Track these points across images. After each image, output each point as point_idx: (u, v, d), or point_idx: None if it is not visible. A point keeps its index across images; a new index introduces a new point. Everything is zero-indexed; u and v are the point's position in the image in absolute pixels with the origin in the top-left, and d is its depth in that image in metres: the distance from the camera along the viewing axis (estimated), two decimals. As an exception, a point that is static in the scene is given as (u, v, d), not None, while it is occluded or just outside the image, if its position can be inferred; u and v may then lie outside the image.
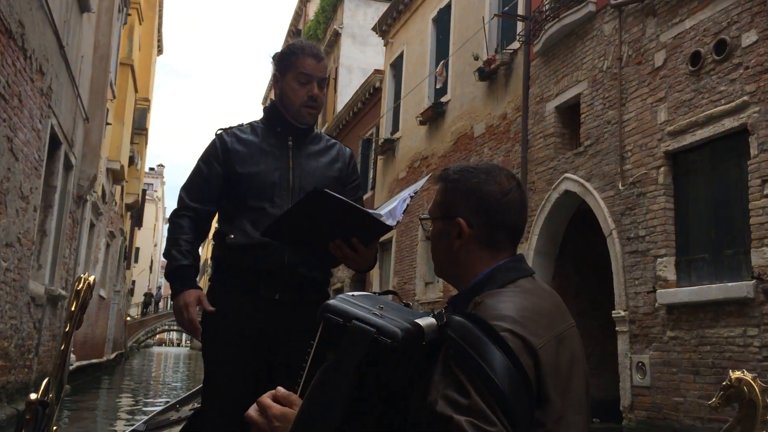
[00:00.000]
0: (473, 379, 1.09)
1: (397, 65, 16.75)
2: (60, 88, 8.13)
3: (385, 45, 17.63)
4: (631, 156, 7.81)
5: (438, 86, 13.25)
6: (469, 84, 12.41)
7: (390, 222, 1.84)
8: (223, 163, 2.30)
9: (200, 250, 2.68)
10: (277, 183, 2.27)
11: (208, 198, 2.32)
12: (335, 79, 22.99)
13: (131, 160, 18.58)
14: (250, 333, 2.23)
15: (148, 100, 21.15)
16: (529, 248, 9.77)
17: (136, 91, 17.47)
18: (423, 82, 14.52)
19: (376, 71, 17.80)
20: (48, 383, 1.53)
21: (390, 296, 1.37)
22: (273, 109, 2.38)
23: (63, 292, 9.79)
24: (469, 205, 1.36)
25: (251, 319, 2.23)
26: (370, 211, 1.89)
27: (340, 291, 20.07)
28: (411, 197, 1.91)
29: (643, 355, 7.33)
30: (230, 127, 2.39)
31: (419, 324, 1.13)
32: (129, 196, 20.28)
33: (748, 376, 1.19)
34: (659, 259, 7.24)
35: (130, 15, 15.03)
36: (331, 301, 1.15)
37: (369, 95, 18.40)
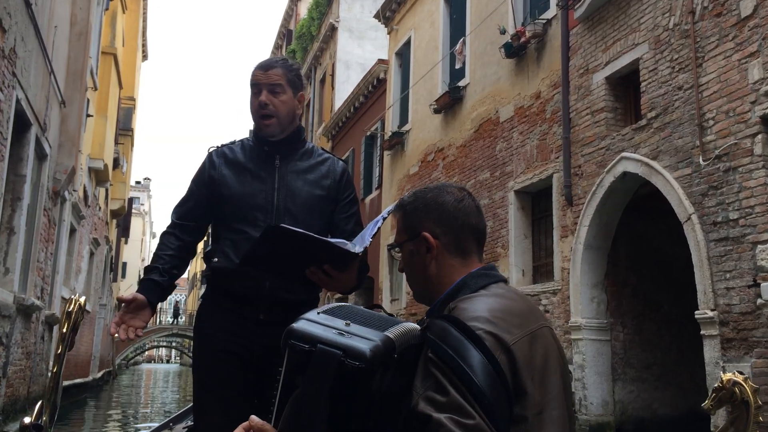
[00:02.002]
0: (450, 377, 1.15)
1: (403, 53, 15.49)
2: (28, 55, 6.78)
3: (389, 33, 16.38)
4: (714, 125, 6.55)
5: (458, 66, 11.97)
6: (492, 64, 11.15)
7: (357, 249, 1.90)
8: (210, 185, 2.32)
9: (190, 262, 2.59)
10: (261, 205, 2.27)
11: (194, 217, 2.35)
12: (332, 76, 21.73)
13: (116, 163, 17.18)
14: (238, 350, 2.24)
15: (133, 100, 19.80)
16: (577, 242, 8.48)
17: (120, 86, 16.12)
18: (436, 68, 13.26)
19: (381, 61, 16.53)
20: (41, 406, 1.52)
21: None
22: (256, 131, 2.38)
23: (38, 303, 8.40)
24: (430, 218, 1.45)
25: (239, 336, 2.25)
26: (333, 240, 1.95)
27: (342, 300, 18.75)
28: (384, 218, 1.94)
29: (742, 364, 6.02)
30: (221, 146, 2.40)
31: (389, 336, 1.16)
32: (114, 201, 18.86)
33: (740, 378, 1.19)
34: (760, 246, 5.96)
35: (112, 0, 13.70)
36: (295, 325, 1.14)
37: (372, 87, 17.13)
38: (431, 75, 13.41)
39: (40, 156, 8.16)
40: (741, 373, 1.21)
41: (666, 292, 8.91)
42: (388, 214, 1.91)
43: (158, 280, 2.24)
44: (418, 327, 1.29)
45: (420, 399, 1.15)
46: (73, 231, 12.51)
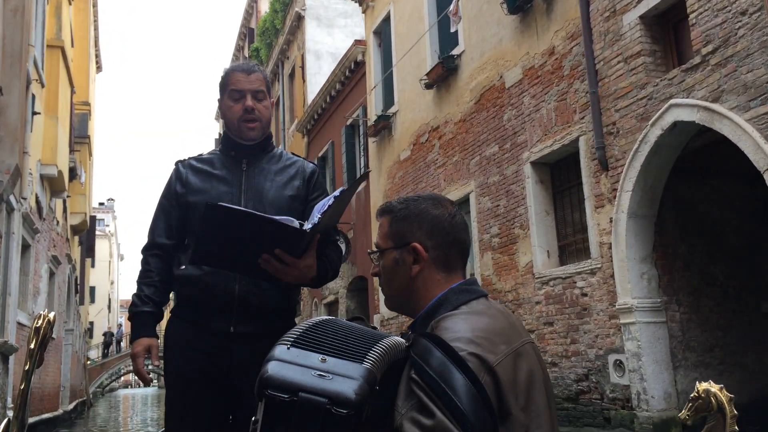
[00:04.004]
0: (434, 399, 1.13)
1: (382, 30, 14.24)
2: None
3: (364, 11, 15.10)
4: (798, 49, 5.41)
5: (453, 29, 10.71)
6: (491, 24, 9.95)
7: (306, 227, 1.85)
8: (178, 195, 2.28)
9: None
10: None
11: (170, 233, 2.29)
12: (302, 68, 20.38)
13: (73, 172, 15.61)
14: (206, 367, 2.16)
15: (88, 105, 18.20)
16: (618, 211, 7.28)
17: (72, 86, 14.58)
18: (423, 39, 12.01)
19: (357, 42, 15.24)
20: (8, 424, 1.55)
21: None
22: (225, 136, 2.34)
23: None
24: (422, 229, 1.41)
25: (209, 354, 2.16)
26: (277, 218, 1.86)
27: (333, 305, 17.39)
28: (335, 198, 1.89)
29: None
30: (188, 158, 2.37)
31: (369, 370, 1.10)
32: (74, 216, 17.22)
33: (715, 387, 1.20)
34: None
35: (55, -13, 12.20)
36: (270, 373, 1.06)
37: (350, 72, 15.82)
38: (418, 48, 12.16)
39: (-27, 151, 6.72)
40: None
41: (720, 263, 7.77)
42: (340, 194, 1.94)
43: (152, 310, 2.23)
44: (402, 342, 1.28)
45: (404, 420, 1.14)
46: (26, 247, 10.97)
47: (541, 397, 1.27)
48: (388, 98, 13.75)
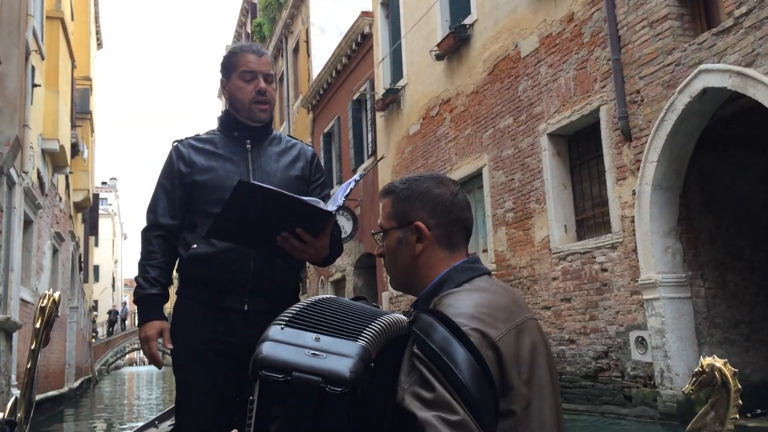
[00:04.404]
0: (436, 373, 1.13)
1: (390, 1, 13.86)
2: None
3: (372, -18, 14.70)
4: (842, 7, 5.10)
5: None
6: (506, -8, 9.59)
7: (330, 207, 1.86)
8: (182, 174, 2.23)
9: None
10: None
11: (174, 213, 2.24)
12: (307, 42, 19.99)
13: (75, 148, 15.34)
14: (219, 347, 2.14)
15: (90, 80, 17.87)
16: (642, 182, 7.01)
17: (72, 60, 14.26)
18: (433, 9, 11.65)
19: (364, 14, 14.86)
20: (15, 402, 1.50)
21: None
22: (227, 115, 2.32)
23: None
24: (425, 208, 1.42)
25: (219, 332, 2.14)
26: (306, 198, 1.90)
27: (340, 282, 17.18)
28: (356, 182, 1.92)
29: None
30: (186, 138, 2.33)
31: (364, 347, 1.09)
32: (77, 193, 16.98)
33: (719, 362, 1.20)
34: None
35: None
36: (264, 354, 1.06)
37: (356, 45, 15.46)
38: (428, 18, 11.81)
39: (-29, 121, 6.45)
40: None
41: (746, 237, 7.51)
42: (361, 178, 2.10)
43: (159, 292, 2.19)
44: (403, 318, 1.26)
45: (405, 394, 1.14)
46: (29, 223, 10.75)
47: (544, 372, 1.28)
48: (397, 71, 13.41)
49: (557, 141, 8.66)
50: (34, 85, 9.94)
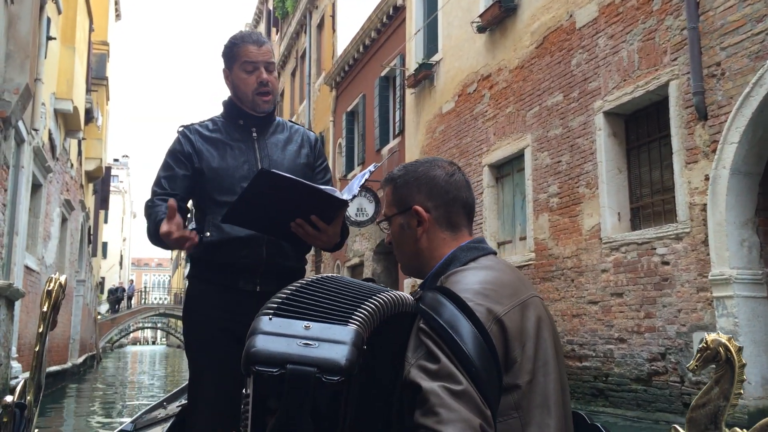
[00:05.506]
0: (441, 346, 1.15)
1: (427, -28, 13.10)
2: None
3: (407, -48, 13.93)
4: None
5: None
6: (562, -42, 8.83)
7: (346, 196, 1.91)
8: (189, 160, 2.25)
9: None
10: (247, 176, 2.17)
11: (176, 192, 2.22)
12: (332, 17, 19.25)
13: (89, 114, 14.70)
14: (232, 326, 2.16)
15: (107, 44, 17.21)
16: (719, 166, 6.27)
17: (90, 21, 13.59)
18: (476, -22, 10.89)
19: (398, -15, 14.10)
20: (25, 384, 1.51)
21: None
22: (231, 103, 2.34)
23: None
24: (421, 192, 1.45)
25: (232, 312, 2.17)
26: (323, 187, 1.95)
27: (358, 267, 16.49)
28: (371, 171, 1.99)
29: None
30: (191, 124, 2.35)
31: (356, 330, 1.07)
32: (90, 161, 16.36)
33: (724, 338, 1.18)
34: None
35: None
36: (255, 348, 1.02)
37: (387, 19, 14.71)
38: (470, -11, 11.05)
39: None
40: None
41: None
42: (375, 168, 2.12)
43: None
44: (406, 295, 1.25)
45: (411, 368, 1.16)
46: (38, 186, 10.11)
47: (550, 348, 1.28)
48: (431, 45, 12.66)
49: (614, 120, 7.91)
50: (49, 38, 9.28)
